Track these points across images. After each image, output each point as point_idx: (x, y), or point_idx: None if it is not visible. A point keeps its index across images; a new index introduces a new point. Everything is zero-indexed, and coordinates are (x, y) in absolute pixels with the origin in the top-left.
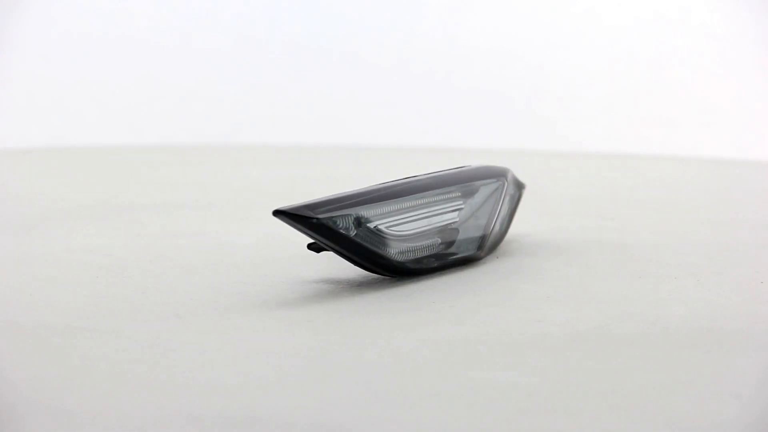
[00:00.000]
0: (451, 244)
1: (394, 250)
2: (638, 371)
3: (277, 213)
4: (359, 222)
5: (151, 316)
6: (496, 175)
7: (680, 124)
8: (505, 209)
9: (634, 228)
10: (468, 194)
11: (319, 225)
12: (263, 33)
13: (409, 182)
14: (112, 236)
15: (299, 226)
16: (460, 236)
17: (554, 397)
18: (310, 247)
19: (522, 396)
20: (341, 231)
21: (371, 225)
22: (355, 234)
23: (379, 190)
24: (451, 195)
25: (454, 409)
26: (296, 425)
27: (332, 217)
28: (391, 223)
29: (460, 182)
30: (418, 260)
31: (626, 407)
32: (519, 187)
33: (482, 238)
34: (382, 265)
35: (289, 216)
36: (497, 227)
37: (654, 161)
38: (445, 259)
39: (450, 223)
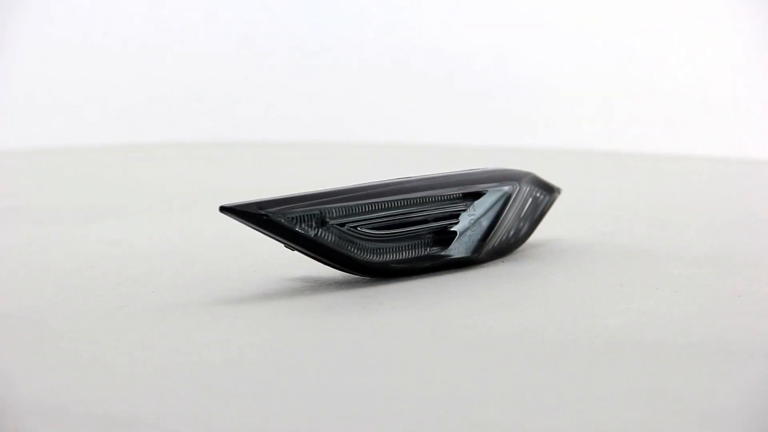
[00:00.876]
0: (446, 246)
1: (367, 251)
2: (518, 378)
3: (224, 209)
4: (323, 221)
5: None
6: (508, 179)
7: (686, 123)
8: (514, 214)
9: (657, 234)
10: (472, 197)
11: (270, 222)
12: (263, 32)
13: (397, 183)
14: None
15: (250, 224)
16: (459, 239)
17: (411, 400)
18: (287, 246)
19: (384, 397)
20: (297, 230)
21: (338, 224)
22: (318, 233)
23: (356, 189)
24: (451, 197)
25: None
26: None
27: (285, 215)
28: (366, 224)
29: (464, 185)
30: (403, 261)
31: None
32: (548, 191)
33: (481, 242)
34: (351, 265)
35: (236, 213)
36: (503, 232)
37: (678, 161)
38: (437, 260)
39: (448, 225)
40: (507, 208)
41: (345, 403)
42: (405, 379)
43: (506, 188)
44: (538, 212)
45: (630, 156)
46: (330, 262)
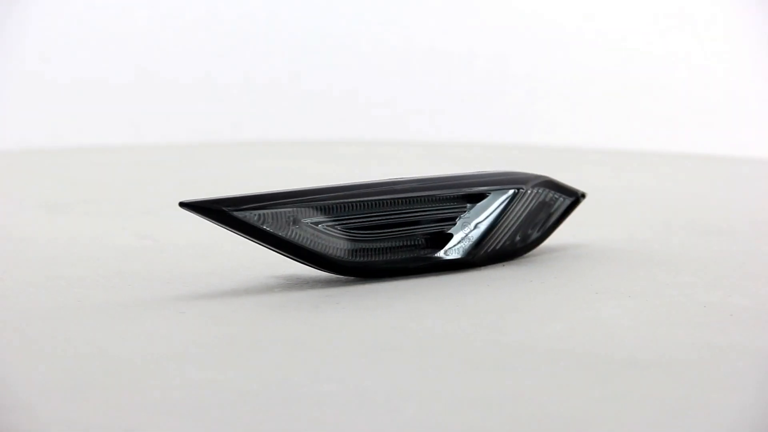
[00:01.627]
0: (439, 248)
1: (347, 252)
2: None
3: (183, 205)
4: (295, 219)
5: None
6: (512, 182)
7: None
8: (518, 218)
9: (668, 239)
10: (471, 199)
11: (231, 219)
12: (262, 30)
13: (389, 183)
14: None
15: (213, 221)
16: (453, 241)
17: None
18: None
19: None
20: (262, 227)
21: (312, 223)
22: (289, 232)
23: (339, 188)
24: (446, 199)
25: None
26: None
27: (248, 211)
28: (348, 224)
29: (462, 187)
30: (390, 262)
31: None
32: (568, 194)
33: (476, 245)
34: (328, 265)
35: (196, 209)
36: (503, 236)
37: (682, 159)
38: (428, 262)
39: (442, 227)
40: (508, 212)
41: (244, 402)
42: (301, 379)
43: (508, 191)
44: (553, 217)
45: (657, 155)
46: (306, 262)
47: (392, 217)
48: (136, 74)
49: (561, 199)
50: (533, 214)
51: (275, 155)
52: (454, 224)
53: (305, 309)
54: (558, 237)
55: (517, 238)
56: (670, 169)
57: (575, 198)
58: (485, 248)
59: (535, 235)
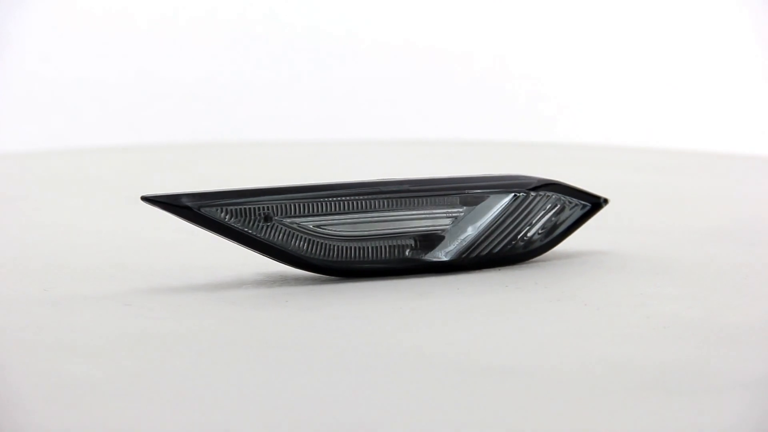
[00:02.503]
0: (427, 250)
1: (324, 250)
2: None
3: (145, 199)
4: (268, 217)
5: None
6: (514, 186)
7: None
8: (517, 222)
9: (675, 243)
10: (470, 202)
11: (192, 214)
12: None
13: (378, 183)
14: None
15: (177, 215)
16: (445, 243)
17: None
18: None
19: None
20: (228, 224)
21: (288, 222)
22: (259, 229)
23: (321, 187)
24: (441, 200)
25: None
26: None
27: (211, 207)
28: (327, 222)
29: (460, 189)
30: (374, 262)
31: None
32: (585, 200)
33: (468, 249)
34: (300, 263)
35: (157, 203)
36: (498, 240)
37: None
38: (413, 263)
39: (436, 229)
40: (505, 216)
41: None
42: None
43: (508, 195)
44: (565, 222)
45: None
46: (279, 260)
47: (377, 217)
48: (136, 75)
49: (575, 204)
50: (538, 219)
51: (275, 156)
52: (448, 227)
53: (246, 307)
54: (575, 242)
55: (519, 243)
56: (695, 167)
57: (594, 204)
58: (477, 252)
59: (540, 240)
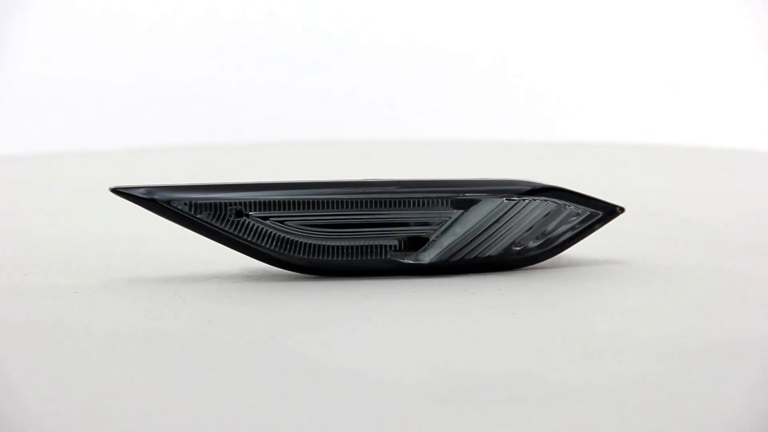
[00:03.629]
0: (413, 251)
1: (295, 248)
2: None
3: (113, 190)
4: (240, 212)
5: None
6: (509, 191)
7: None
8: (509, 228)
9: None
10: (461, 205)
11: (157, 206)
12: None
13: (362, 183)
14: None
15: (145, 208)
16: (429, 246)
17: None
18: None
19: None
20: (195, 218)
21: (260, 217)
22: (228, 224)
23: (297, 185)
24: (430, 202)
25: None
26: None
27: (176, 201)
28: (300, 220)
29: (451, 192)
30: (351, 262)
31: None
32: (594, 208)
33: (448, 253)
34: (274, 261)
35: (124, 195)
36: (487, 245)
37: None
38: (398, 264)
39: (424, 231)
40: (496, 220)
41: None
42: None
43: (501, 199)
44: (567, 230)
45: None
46: (254, 257)
47: (358, 217)
48: (136, 75)
49: (581, 211)
50: (535, 225)
51: (274, 157)
52: (435, 229)
53: (189, 301)
54: (592, 249)
55: (513, 248)
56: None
57: (606, 212)
58: (461, 256)
59: (538, 247)
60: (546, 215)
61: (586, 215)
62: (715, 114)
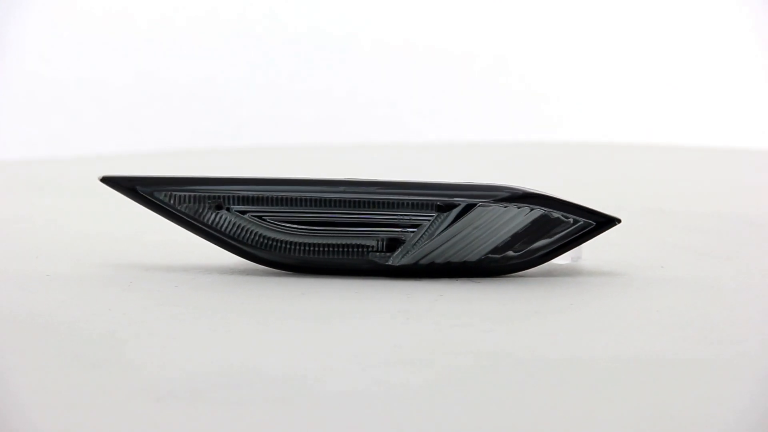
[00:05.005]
0: (390, 252)
1: (273, 244)
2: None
3: (104, 180)
4: (219, 205)
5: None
6: (483, 196)
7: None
8: (484, 234)
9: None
10: (442, 209)
11: (142, 197)
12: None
13: (339, 181)
14: None
15: (130, 198)
16: (404, 247)
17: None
18: None
19: None
20: (175, 209)
21: (239, 211)
22: (206, 217)
23: (286, 181)
24: (407, 204)
25: None
26: None
27: (159, 192)
28: (278, 216)
29: (429, 195)
30: (326, 260)
31: None
32: (587, 218)
33: (420, 256)
34: (246, 255)
35: (111, 183)
36: (461, 250)
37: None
38: (373, 265)
39: (399, 233)
40: (468, 226)
41: None
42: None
43: (477, 205)
44: (555, 238)
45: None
46: (230, 251)
47: (337, 215)
48: (136, 76)
49: (571, 221)
50: (516, 233)
51: (273, 158)
52: (412, 232)
53: (141, 295)
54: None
55: (492, 255)
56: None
57: (600, 222)
58: (433, 259)
59: (518, 256)
60: (529, 224)
61: (576, 225)
62: (723, 114)
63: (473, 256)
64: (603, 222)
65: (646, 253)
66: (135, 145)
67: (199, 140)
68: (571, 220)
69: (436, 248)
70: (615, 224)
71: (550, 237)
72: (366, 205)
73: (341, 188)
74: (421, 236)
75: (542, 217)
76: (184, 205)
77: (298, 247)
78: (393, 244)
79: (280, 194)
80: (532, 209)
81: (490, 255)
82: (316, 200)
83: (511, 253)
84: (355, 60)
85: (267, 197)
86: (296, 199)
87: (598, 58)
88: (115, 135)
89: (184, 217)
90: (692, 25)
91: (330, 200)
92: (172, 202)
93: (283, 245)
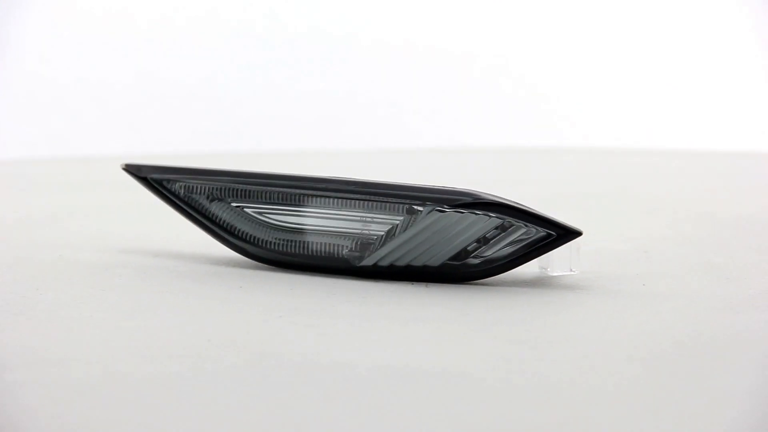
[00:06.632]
0: (362, 252)
1: (259, 238)
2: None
3: (125, 167)
4: (212, 197)
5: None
6: (444, 201)
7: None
8: (441, 239)
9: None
10: (410, 211)
11: (148, 182)
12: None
13: (322, 179)
14: None
15: (144, 186)
16: (372, 248)
17: None
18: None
19: None
20: (175, 199)
21: (231, 203)
22: (206, 208)
23: (276, 176)
24: (384, 205)
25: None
26: None
27: (173, 183)
28: (266, 211)
29: (395, 197)
30: (305, 257)
31: None
32: (549, 229)
33: (376, 256)
34: (238, 249)
35: (130, 172)
36: (419, 254)
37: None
38: (343, 264)
39: (370, 233)
40: (427, 230)
41: None
42: None
43: (438, 211)
44: (513, 250)
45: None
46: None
47: (315, 213)
48: (136, 77)
49: (530, 231)
50: (475, 240)
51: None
52: (380, 233)
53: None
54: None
55: (452, 262)
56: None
57: (560, 234)
58: (391, 261)
59: (477, 264)
60: (487, 232)
61: (536, 236)
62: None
63: (434, 261)
64: (563, 234)
65: (650, 268)
66: (135, 146)
67: (198, 140)
68: (531, 231)
69: (395, 250)
70: (575, 236)
71: (509, 247)
72: (348, 205)
73: (323, 184)
74: (384, 238)
75: (501, 226)
76: (188, 196)
77: (278, 243)
78: (365, 245)
79: (266, 189)
80: (490, 218)
81: (449, 261)
82: (299, 197)
83: (471, 260)
84: (354, 60)
85: (252, 192)
86: (281, 195)
87: (597, 59)
88: (114, 135)
89: (186, 209)
90: (692, 28)
91: (310, 197)
92: (183, 192)
93: (264, 240)
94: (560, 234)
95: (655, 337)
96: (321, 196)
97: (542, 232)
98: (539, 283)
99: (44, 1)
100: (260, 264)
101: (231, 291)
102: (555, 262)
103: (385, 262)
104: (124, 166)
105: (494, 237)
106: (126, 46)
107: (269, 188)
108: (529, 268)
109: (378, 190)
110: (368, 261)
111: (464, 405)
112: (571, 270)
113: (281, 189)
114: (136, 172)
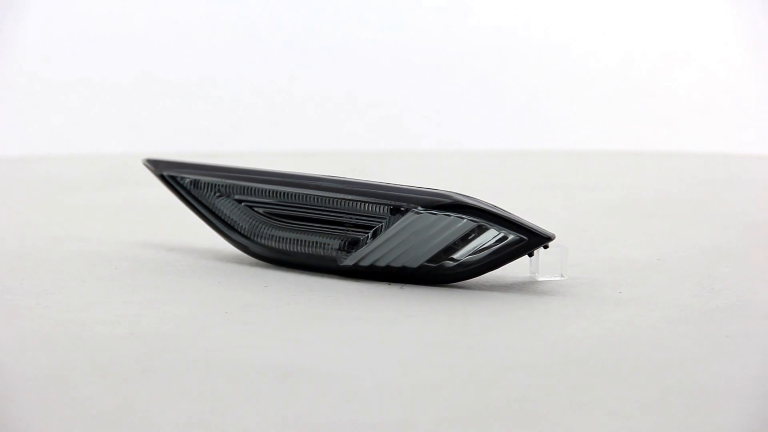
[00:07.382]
0: (348, 251)
1: (259, 235)
2: None
3: (146, 161)
4: (219, 192)
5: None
6: (421, 202)
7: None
8: (417, 241)
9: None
10: (393, 212)
11: (163, 178)
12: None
13: (313, 177)
14: None
15: (161, 181)
16: (356, 248)
17: None
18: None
19: None
20: (191, 194)
21: (236, 200)
22: (209, 201)
23: (275, 174)
24: (369, 205)
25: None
26: None
27: (178, 176)
28: (268, 208)
29: (382, 197)
30: (298, 254)
31: None
32: (522, 234)
33: (356, 256)
34: (238, 245)
35: (148, 165)
36: (390, 256)
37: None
38: (330, 263)
39: (356, 232)
40: (404, 231)
41: None
42: None
43: (417, 212)
44: (487, 254)
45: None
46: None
47: (307, 210)
48: (136, 77)
49: (503, 235)
50: (450, 243)
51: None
52: (365, 233)
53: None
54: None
55: (429, 264)
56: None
57: (533, 240)
58: (371, 262)
59: (452, 267)
60: (462, 235)
61: (508, 240)
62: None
63: (412, 262)
64: (535, 239)
65: (646, 275)
66: (135, 146)
67: (198, 141)
68: (503, 235)
69: (375, 250)
70: (548, 242)
71: (483, 250)
72: (329, 203)
73: (315, 183)
74: (366, 238)
75: (474, 229)
76: (196, 191)
77: (281, 241)
78: (353, 244)
79: (260, 185)
80: (463, 220)
81: (426, 263)
82: (291, 195)
83: (447, 263)
84: (354, 60)
85: (266, 190)
86: (273, 192)
87: (598, 61)
88: (115, 135)
89: (193, 203)
90: (692, 30)
91: (301, 195)
92: (191, 187)
93: (270, 238)
94: (532, 240)
95: (570, 344)
96: (308, 194)
97: (513, 236)
98: (516, 288)
99: (44, 1)
100: (259, 263)
101: (209, 287)
102: (542, 267)
103: (366, 262)
104: (144, 162)
105: (469, 240)
106: (125, 45)
107: (263, 185)
108: (522, 273)
109: (358, 189)
110: (349, 261)
111: (323, 404)
112: (561, 275)
113: (273, 186)
114: (154, 167)
